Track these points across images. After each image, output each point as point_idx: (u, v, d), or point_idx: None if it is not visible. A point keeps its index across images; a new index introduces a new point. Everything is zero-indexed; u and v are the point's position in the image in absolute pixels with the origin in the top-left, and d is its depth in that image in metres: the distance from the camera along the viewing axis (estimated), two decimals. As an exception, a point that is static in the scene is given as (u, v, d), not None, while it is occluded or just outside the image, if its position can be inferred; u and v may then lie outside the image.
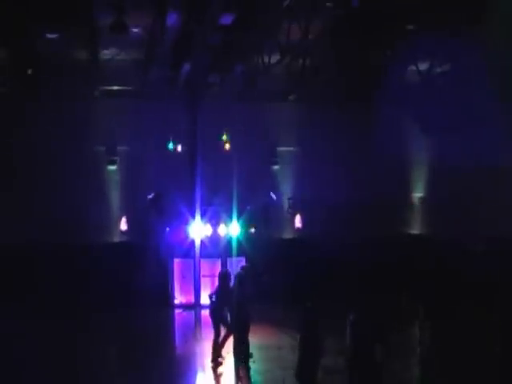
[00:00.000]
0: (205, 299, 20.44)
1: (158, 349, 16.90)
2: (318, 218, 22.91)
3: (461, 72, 18.45)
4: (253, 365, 14.22)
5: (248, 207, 21.20)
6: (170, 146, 22.14)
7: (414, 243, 23.62)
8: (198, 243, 20.68)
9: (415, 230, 24.80)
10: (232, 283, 14.81)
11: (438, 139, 22.59)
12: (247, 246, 21.19)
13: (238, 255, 21.14)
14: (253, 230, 21.79)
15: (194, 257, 20.72)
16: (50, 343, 16.92)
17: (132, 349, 16.73)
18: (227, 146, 22.15)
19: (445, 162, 22.98)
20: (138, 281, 20.03)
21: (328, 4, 14.30)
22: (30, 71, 18.11)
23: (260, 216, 22.25)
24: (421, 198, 24.88)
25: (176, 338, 19.20)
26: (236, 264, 20.83)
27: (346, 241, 21.91)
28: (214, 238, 21.27)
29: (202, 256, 20.88)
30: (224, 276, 15.32)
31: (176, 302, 21.08)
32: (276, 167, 23.93)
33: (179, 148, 22.15)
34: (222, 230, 21.37)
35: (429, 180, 24.58)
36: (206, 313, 20.02)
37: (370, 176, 23.03)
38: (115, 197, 22.88)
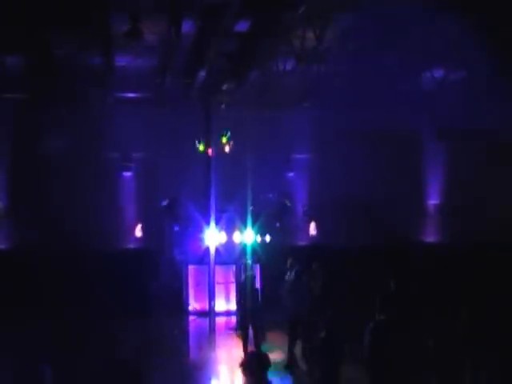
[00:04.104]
0: (219, 306, 20.54)
1: (172, 355, 16.90)
2: (332, 225, 22.87)
3: (476, 78, 18.39)
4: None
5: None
6: (201, 148, 21.59)
7: (428, 251, 23.56)
8: (212, 250, 20.66)
9: (430, 238, 24.71)
10: None
11: (453, 145, 22.61)
12: (262, 253, 21.18)
13: (253, 262, 21.13)
14: (268, 237, 21.77)
15: (208, 263, 20.68)
16: (64, 350, 16.96)
17: (146, 355, 16.72)
18: (227, 149, 21.69)
19: (459, 168, 23.01)
20: (152, 287, 20.07)
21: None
22: (44, 78, 18.20)
23: (274, 223, 22.23)
24: (436, 205, 24.79)
25: (190, 345, 19.16)
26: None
27: (359, 247, 21.89)
28: (229, 245, 21.26)
29: (216, 263, 20.86)
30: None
31: (190, 308, 21.07)
32: (291, 174, 23.90)
33: (210, 151, 21.53)
34: (237, 236, 21.37)
35: (444, 186, 24.49)
36: (220, 320, 20.14)
37: (385, 183, 22.98)
38: (130, 203, 22.94)
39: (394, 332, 11.00)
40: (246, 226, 21.19)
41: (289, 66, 17.59)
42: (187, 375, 15.62)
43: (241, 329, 16.62)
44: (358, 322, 11.46)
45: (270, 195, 22.39)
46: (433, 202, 24.80)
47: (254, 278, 17.14)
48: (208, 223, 20.61)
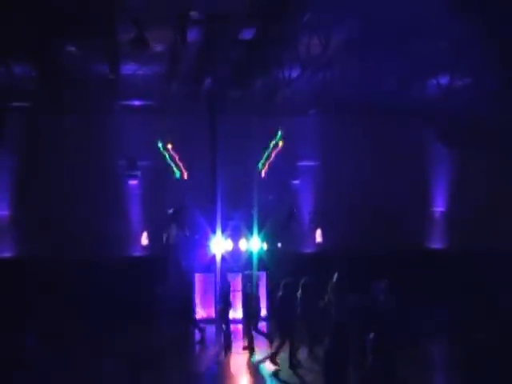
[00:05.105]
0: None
1: (179, 363, 16.89)
2: (338, 232, 22.85)
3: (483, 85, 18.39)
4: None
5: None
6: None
7: (434, 257, 23.55)
8: (218, 258, 20.67)
9: (436, 245, 24.66)
10: None
11: (459, 153, 22.60)
12: (268, 261, 21.18)
13: (259, 270, 21.17)
14: (279, 244, 21.80)
15: (214, 271, 20.70)
16: (71, 357, 16.98)
17: (153, 363, 16.72)
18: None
19: (466, 175, 22.99)
20: (158, 295, 20.05)
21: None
22: (51, 86, 18.24)
23: (281, 230, 22.22)
24: (442, 211, 24.76)
25: (197, 353, 19.11)
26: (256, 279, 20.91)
27: (365, 254, 21.86)
28: (235, 253, 21.26)
29: (222, 270, 20.87)
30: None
31: (197, 316, 21.06)
32: (297, 181, 23.90)
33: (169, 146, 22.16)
34: (243, 244, 21.38)
35: (450, 194, 24.46)
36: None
37: (391, 190, 22.97)
38: (136, 211, 22.95)
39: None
40: (252, 234, 21.21)
41: (294, 73, 17.59)
42: (194, 381, 15.66)
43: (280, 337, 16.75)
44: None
45: (276, 202, 22.37)
46: (439, 208, 24.77)
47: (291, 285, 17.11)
48: (214, 231, 20.64)
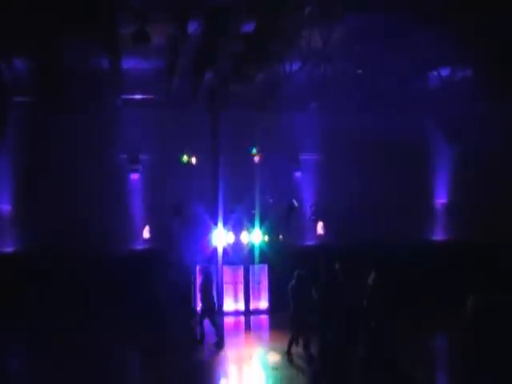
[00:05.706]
0: (227, 306, 20.62)
1: (179, 355, 16.97)
2: (339, 225, 22.89)
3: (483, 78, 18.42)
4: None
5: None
6: (184, 159, 22.14)
7: (437, 249, 23.61)
8: (220, 250, 20.74)
9: (438, 236, 24.71)
10: None
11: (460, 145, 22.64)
12: (269, 253, 21.24)
13: (260, 262, 21.25)
14: (280, 237, 21.83)
15: (216, 264, 20.76)
16: (75, 350, 17.06)
17: (154, 355, 16.82)
18: (257, 159, 22.18)
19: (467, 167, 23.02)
20: (160, 288, 20.13)
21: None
22: (53, 81, 18.28)
23: (282, 223, 22.26)
24: (443, 204, 24.81)
25: (197, 346, 19.19)
26: (258, 271, 20.99)
27: (367, 247, 21.91)
28: (237, 246, 21.32)
29: (224, 263, 20.95)
30: None
31: (198, 308, 21.14)
32: (298, 174, 23.94)
33: (193, 161, 22.13)
34: (245, 237, 21.43)
35: (451, 186, 24.50)
36: (228, 319, 20.21)
37: (392, 182, 23.00)
38: (138, 205, 22.99)
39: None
40: (253, 227, 21.27)
41: (295, 67, 17.62)
42: (195, 375, 15.72)
43: (293, 329, 16.72)
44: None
45: (278, 195, 22.42)
46: (440, 201, 24.82)
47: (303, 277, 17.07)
48: (216, 224, 20.70)
